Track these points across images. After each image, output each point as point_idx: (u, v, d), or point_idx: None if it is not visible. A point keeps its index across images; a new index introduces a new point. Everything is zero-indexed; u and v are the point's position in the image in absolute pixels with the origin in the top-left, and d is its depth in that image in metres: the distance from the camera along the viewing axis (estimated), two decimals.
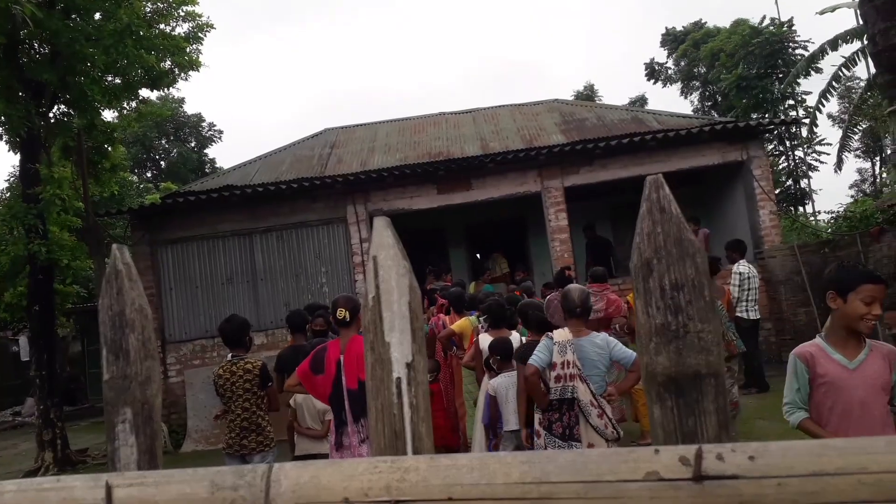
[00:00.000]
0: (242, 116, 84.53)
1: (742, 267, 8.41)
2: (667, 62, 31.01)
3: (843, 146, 19.97)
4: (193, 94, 69.46)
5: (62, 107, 10.12)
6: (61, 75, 9.02)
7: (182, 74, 10.43)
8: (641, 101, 32.33)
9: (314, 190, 10.95)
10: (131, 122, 11.91)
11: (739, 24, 24.46)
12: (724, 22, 27.19)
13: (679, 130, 10.91)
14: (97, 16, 9.36)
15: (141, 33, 9.14)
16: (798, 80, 19.53)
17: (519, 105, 15.12)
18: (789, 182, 22.73)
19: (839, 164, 20.30)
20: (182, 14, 10.15)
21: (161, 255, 11.15)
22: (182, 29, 10.27)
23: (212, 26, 10.44)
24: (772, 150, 21.58)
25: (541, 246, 12.14)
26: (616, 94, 74.87)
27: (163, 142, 29.48)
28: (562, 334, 4.19)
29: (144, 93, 10.96)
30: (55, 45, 9.08)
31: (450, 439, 6.44)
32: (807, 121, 18.57)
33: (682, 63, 29.20)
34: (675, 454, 0.86)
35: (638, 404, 6.57)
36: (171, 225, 11.08)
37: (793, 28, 22.86)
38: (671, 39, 30.23)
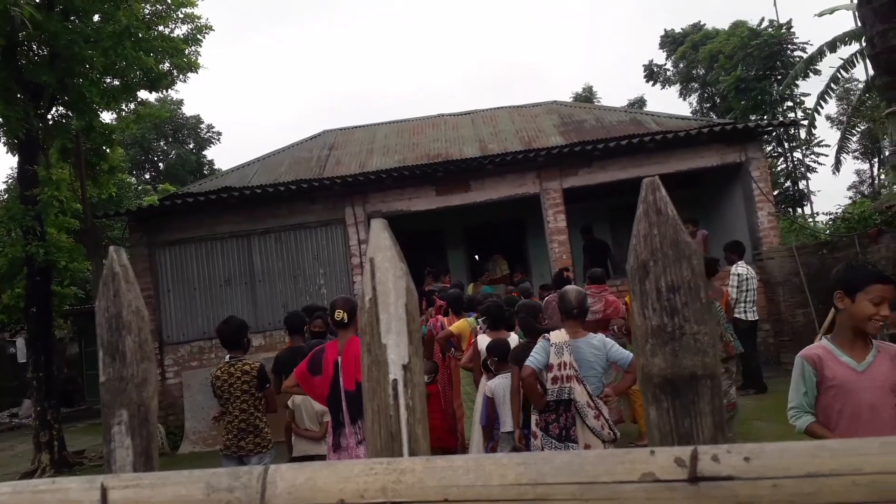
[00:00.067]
0: (241, 118, 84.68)
1: (740, 268, 8.42)
2: (665, 64, 31.05)
3: (842, 148, 20.01)
4: (192, 95, 69.58)
5: (60, 108, 10.12)
6: (60, 77, 9.02)
7: (181, 76, 10.45)
8: (640, 102, 32.38)
9: (312, 191, 10.95)
10: (130, 124, 11.91)
11: (738, 25, 24.48)
12: (723, 24, 27.25)
13: (678, 132, 10.92)
14: (96, 18, 9.36)
15: (140, 35, 9.14)
16: (797, 82, 19.56)
17: (518, 107, 15.14)
18: (788, 183, 22.75)
19: (837, 166, 20.36)
20: (181, 16, 10.17)
21: (159, 257, 11.14)
22: (181, 31, 10.30)
23: (210, 28, 10.46)
24: (770, 151, 21.58)
25: (539, 247, 12.14)
26: (615, 96, 75.04)
27: (161, 143, 29.48)
28: (558, 336, 4.19)
29: (143, 94, 11.01)
30: (54, 47, 9.08)
31: (447, 441, 6.44)
32: (805, 122, 18.58)
33: (681, 65, 29.22)
34: (670, 455, 0.87)
35: (636, 405, 6.57)
36: (170, 226, 11.08)
37: (791, 30, 22.89)
38: (670, 41, 30.25)
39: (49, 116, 9.92)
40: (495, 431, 5.16)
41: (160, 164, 29.73)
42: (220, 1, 20.62)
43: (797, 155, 22.98)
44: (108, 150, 10.92)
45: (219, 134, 31.03)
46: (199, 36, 10.37)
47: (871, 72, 14.03)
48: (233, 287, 11.08)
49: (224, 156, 60.69)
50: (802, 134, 20.91)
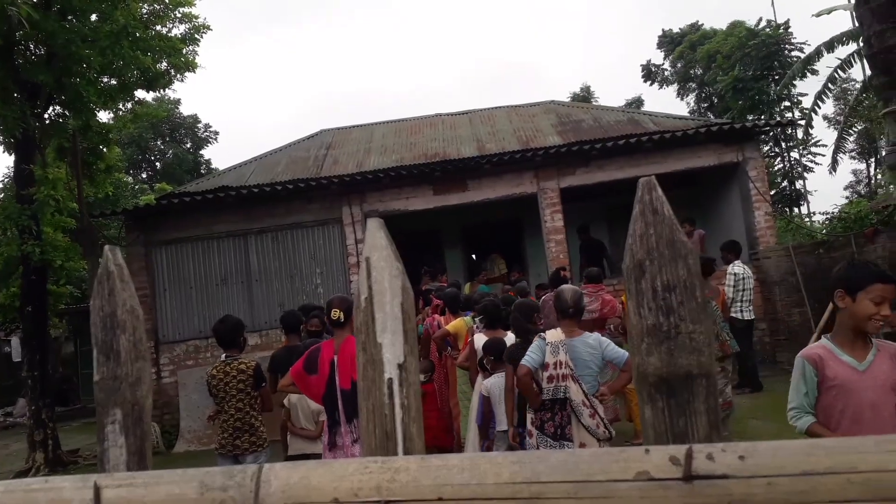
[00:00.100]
0: (238, 118, 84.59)
1: (737, 268, 8.44)
2: (663, 64, 31.05)
3: (839, 147, 20.06)
4: (189, 95, 69.38)
5: (57, 108, 10.10)
6: (57, 76, 9.00)
7: (178, 76, 10.43)
8: (638, 102, 32.39)
9: (310, 191, 10.94)
10: (127, 124, 11.88)
11: (736, 26, 24.50)
12: (721, 24, 27.21)
13: (675, 132, 10.93)
14: (93, 17, 9.33)
15: (137, 35, 9.12)
16: (794, 82, 19.60)
17: (515, 106, 15.13)
18: (784, 183, 22.78)
19: (834, 166, 20.39)
20: (178, 15, 10.16)
21: (155, 256, 11.12)
22: (178, 30, 10.29)
23: (208, 27, 10.44)
24: (767, 151, 21.62)
25: (537, 247, 12.14)
26: (612, 96, 75.15)
27: (158, 143, 29.41)
28: (554, 335, 4.19)
29: (140, 94, 10.98)
30: (51, 47, 9.05)
31: (443, 439, 6.44)
32: (802, 122, 18.62)
33: (679, 65, 29.23)
34: (665, 454, 0.87)
35: (632, 404, 6.57)
36: (166, 226, 11.06)
37: (789, 30, 22.92)
38: (668, 41, 30.27)
39: (46, 115, 9.90)
40: (491, 430, 5.16)
41: (157, 164, 29.68)
42: (218, 0, 20.57)
43: (794, 155, 23.03)
44: (104, 150, 10.91)
45: (216, 133, 31.02)
46: (196, 35, 10.35)
47: (868, 72, 14.07)
48: (229, 286, 11.07)
49: (221, 155, 60.69)
50: (799, 134, 20.97)
